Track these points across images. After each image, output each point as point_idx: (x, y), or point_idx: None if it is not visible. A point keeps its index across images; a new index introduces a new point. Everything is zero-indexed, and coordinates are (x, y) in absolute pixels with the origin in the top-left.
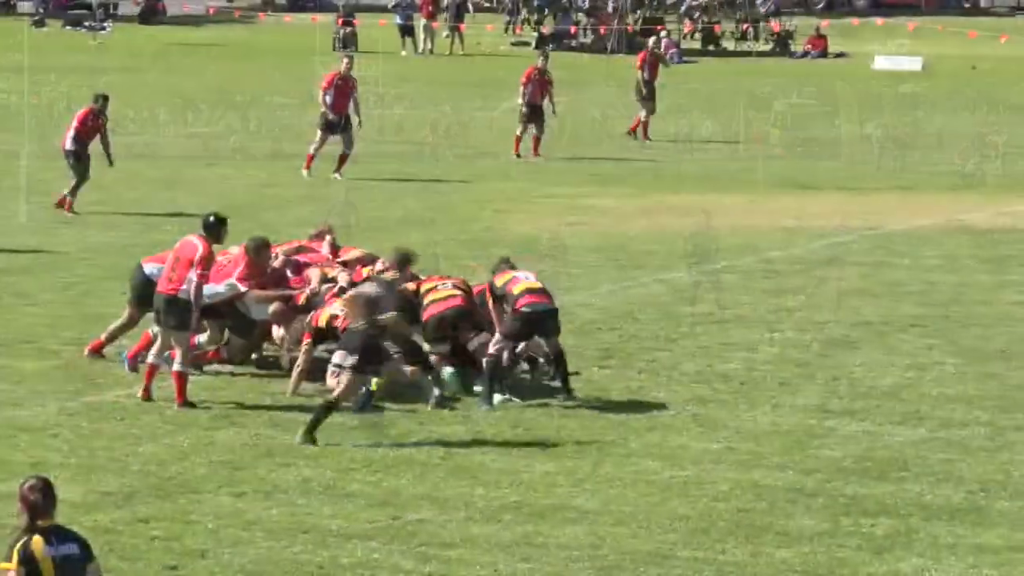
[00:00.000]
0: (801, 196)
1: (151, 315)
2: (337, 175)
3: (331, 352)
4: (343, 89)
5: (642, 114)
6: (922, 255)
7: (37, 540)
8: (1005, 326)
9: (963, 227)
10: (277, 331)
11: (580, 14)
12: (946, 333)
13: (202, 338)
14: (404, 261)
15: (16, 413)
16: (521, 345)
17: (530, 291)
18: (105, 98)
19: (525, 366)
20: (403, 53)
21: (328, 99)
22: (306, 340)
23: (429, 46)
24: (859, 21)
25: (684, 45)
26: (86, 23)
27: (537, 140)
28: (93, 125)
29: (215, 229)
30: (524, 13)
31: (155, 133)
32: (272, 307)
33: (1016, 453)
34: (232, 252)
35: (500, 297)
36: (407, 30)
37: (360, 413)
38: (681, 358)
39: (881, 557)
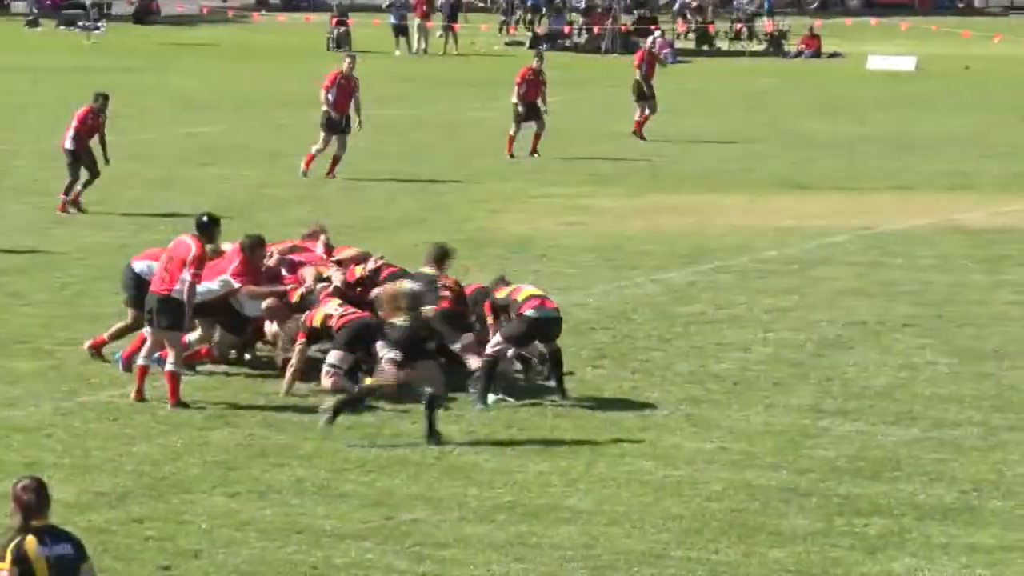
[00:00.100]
0: (796, 196)
1: None
2: (331, 176)
3: (325, 352)
4: (345, 88)
5: (636, 113)
6: (916, 255)
7: (31, 540)
8: (999, 326)
9: (957, 227)
10: (270, 328)
11: (574, 14)
12: (940, 333)
13: (191, 337)
14: (442, 257)
15: (10, 413)
16: None
17: (535, 296)
18: (105, 97)
19: (518, 366)
20: (397, 53)
21: (330, 97)
22: (300, 340)
23: (423, 46)
24: (852, 21)
25: (678, 45)
26: (80, 23)
27: (537, 137)
28: (93, 124)
29: (208, 229)
30: (519, 13)
31: (150, 133)
32: (265, 303)
33: (1009, 453)
34: (226, 248)
35: (502, 308)
36: (401, 30)
37: (354, 413)
38: (675, 358)
39: (874, 557)
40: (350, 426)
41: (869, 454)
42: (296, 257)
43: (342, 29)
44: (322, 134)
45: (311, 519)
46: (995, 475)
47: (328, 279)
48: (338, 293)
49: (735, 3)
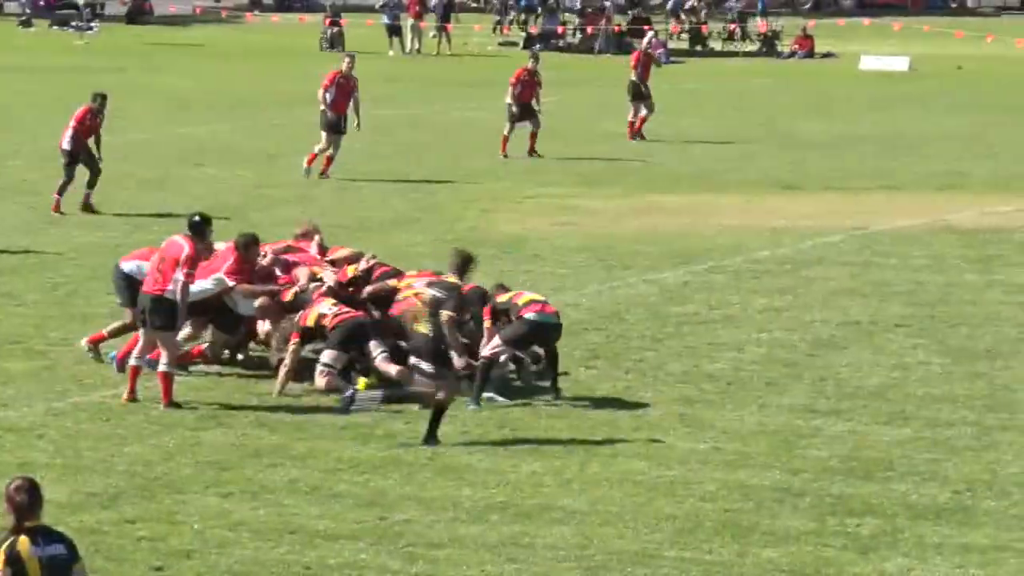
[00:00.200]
0: (789, 196)
1: None
2: (325, 175)
3: (318, 352)
4: (344, 88)
5: (630, 113)
6: (909, 255)
7: (23, 540)
8: (992, 326)
9: (950, 227)
10: (262, 326)
11: (567, 14)
12: (933, 333)
13: (179, 336)
14: (465, 265)
15: (3, 414)
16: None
17: (536, 301)
18: (103, 97)
19: (511, 366)
20: (390, 53)
21: (328, 97)
22: (294, 339)
23: (416, 46)
24: (845, 21)
25: (671, 45)
26: (73, 23)
27: (534, 136)
28: (91, 124)
29: (200, 228)
30: (513, 14)
31: (143, 133)
32: (258, 301)
33: (1002, 453)
34: (219, 248)
35: (503, 312)
36: (394, 30)
37: (346, 414)
38: (668, 358)
39: (867, 557)
40: (344, 426)
41: (862, 454)
42: (290, 257)
43: (335, 29)
44: (324, 134)
45: (304, 519)
46: (988, 475)
47: (321, 279)
48: (331, 293)
49: (727, 4)
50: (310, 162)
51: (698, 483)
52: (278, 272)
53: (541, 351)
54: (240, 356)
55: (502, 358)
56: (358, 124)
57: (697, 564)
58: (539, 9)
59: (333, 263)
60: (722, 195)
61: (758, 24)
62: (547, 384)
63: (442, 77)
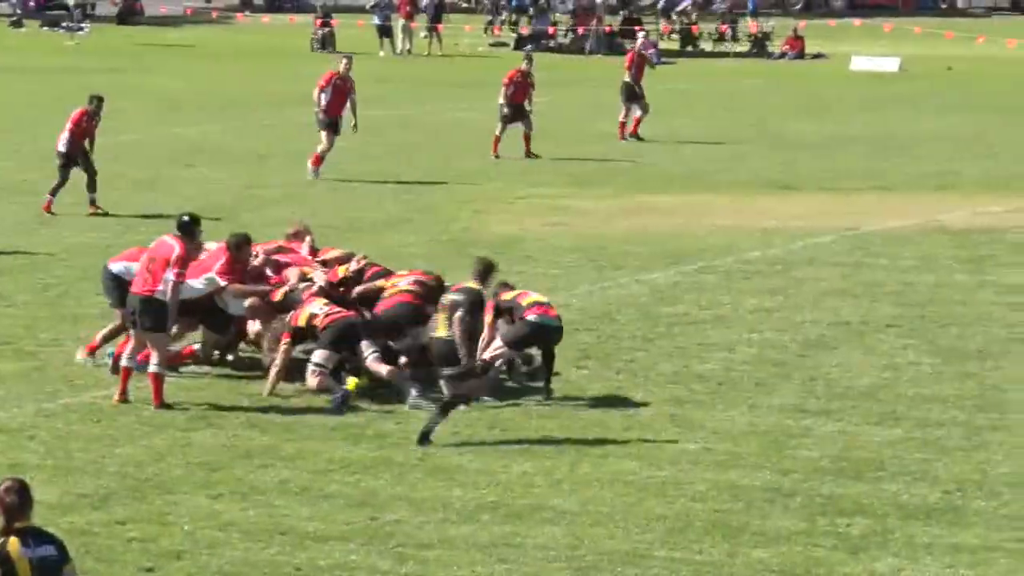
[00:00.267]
0: (780, 197)
1: None
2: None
3: (308, 353)
4: (341, 89)
5: (621, 114)
6: (900, 255)
7: (13, 541)
8: (982, 326)
9: (941, 227)
10: (252, 326)
11: (558, 14)
12: (923, 333)
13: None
14: (486, 272)
15: None
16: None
17: (539, 303)
18: (100, 99)
19: (502, 367)
20: (381, 54)
21: (324, 97)
22: (285, 339)
23: (407, 47)
24: (836, 22)
25: (662, 46)
26: (64, 24)
27: (527, 138)
28: (87, 127)
29: (190, 229)
30: (504, 14)
31: (134, 133)
32: (248, 301)
33: (992, 453)
34: (210, 247)
35: (506, 310)
36: (385, 31)
37: (337, 414)
38: (659, 359)
39: (857, 557)
40: (334, 427)
41: (852, 454)
42: (282, 258)
43: (326, 30)
44: (323, 134)
45: (295, 520)
46: (978, 475)
47: (312, 280)
48: (322, 293)
49: (714, 5)
50: (315, 164)
51: (688, 483)
52: (269, 272)
53: (535, 353)
54: (230, 357)
55: (498, 362)
56: (355, 125)
57: (687, 564)
58: (530, 10)
59: (324, 264)
60: (713, 195)
61: (749, 25)
62: (539, 385)
63: (433, 78)
